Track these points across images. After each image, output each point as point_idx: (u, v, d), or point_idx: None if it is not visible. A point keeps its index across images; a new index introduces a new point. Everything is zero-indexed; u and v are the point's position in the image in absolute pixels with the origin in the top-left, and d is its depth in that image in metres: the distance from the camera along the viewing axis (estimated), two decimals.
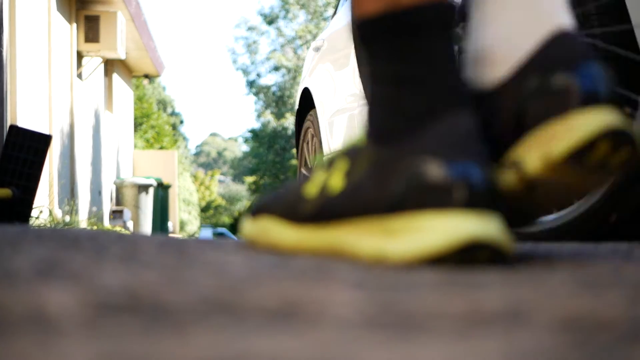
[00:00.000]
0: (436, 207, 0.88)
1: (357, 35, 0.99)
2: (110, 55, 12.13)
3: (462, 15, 1.05)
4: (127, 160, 16.44)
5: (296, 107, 5.63)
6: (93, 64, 12.47)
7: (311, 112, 5.22)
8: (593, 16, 2.11)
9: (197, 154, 64.62)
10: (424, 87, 0.93)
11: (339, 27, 4.74)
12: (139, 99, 19.28)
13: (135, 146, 19.00)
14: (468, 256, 0.90)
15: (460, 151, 0.88)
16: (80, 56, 11.86)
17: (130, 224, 12.88)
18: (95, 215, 12.19)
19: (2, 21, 4.56)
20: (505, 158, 0.95)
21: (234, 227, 41.12)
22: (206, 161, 63.99)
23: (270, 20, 38.64)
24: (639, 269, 1.05)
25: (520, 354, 0.54)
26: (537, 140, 0.90)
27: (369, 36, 0.97)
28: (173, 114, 39.61)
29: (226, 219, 44.48)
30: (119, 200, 13.69)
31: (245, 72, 39.14)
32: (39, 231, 1.37)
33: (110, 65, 14.19)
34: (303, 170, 5.47)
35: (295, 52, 37.92)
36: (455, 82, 0.94)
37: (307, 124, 5.31)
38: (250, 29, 39.41)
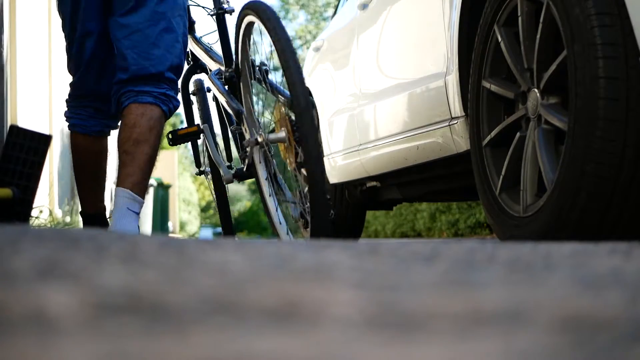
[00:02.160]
0: None
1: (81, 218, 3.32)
2: None
3: None
4: None
5: None
6: None
7: None
8: (592, 16, 2.11)
9: None
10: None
11: (338, 27, 4.74)
12: None
13: None
14: None
15: None
16: None
17: None
18: None
19: (3, 21, 4.56)
20: None
21: (234, 227, 41.06)
22: None
23: None
24: (639, 269, 1.05)
25: (520, 354, 0.54)
26: None
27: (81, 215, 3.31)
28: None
29: None
30: None
31: None
32: (39, 231, 1.37)
33: None
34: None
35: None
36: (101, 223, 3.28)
37: None
38: None
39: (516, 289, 0.82)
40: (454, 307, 0.70)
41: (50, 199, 8.57)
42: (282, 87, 2.78)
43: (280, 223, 2.89)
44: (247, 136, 2.92)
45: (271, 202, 2.92)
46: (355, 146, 4.14)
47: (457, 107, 2.94)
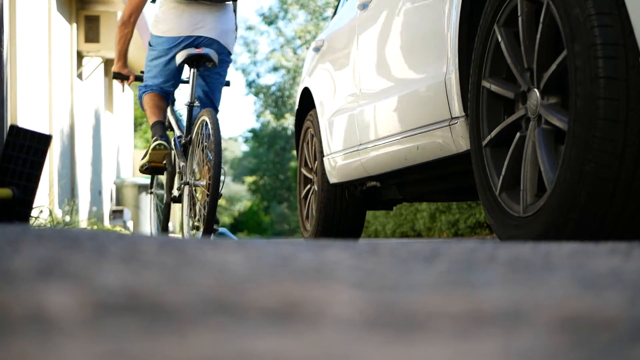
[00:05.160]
0: None
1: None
2: (110, 55, 12.14)
3: None
4: (127, 160, 16.45)
5: (296, 107, 5.62)
6: (93, 64, 12.47)
7: (311, 112, 5.22)
8: (592, 16, 2.11)
9: None
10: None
11: (338, 27, 4.74)
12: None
13: (135, 146, 19.02)
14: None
15: None
16: (80, 56, 11.86)
17: (130, 224, 12.88)
18: (95, 215, 12.20)
19: (3, 21, 4.57)
20: None
21: (234, 227, 41.10)
22: None
23: (270, 21, 38.63)
24: (639, 269, 1.05)
25: (520, 354, 0.54)
26: None
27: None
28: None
29: (226, 219, 44.45)
30: (119, 200, 13.69)
31: (245, 72, 39.11)
32: (39, 231, 1.37)
33: (110, 65, 14.19)
34: (303, 171, 5.48)
35: (294, 52, 37.91)
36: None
37: (307, 124, 5.31)
38: (249, 28, 39.43)
39: (516, 289, 0.82)
40: (454, 307, 0.70)
41: (50, 199, 8.56)
42: (211, 156, 4.54)
43: (189, 233, 4.81)
44: (183, 178, 4.88)
45: (186, 220, 4.83)
46: (356, 146, 4.14)
47: (457, 107, 2.94)
